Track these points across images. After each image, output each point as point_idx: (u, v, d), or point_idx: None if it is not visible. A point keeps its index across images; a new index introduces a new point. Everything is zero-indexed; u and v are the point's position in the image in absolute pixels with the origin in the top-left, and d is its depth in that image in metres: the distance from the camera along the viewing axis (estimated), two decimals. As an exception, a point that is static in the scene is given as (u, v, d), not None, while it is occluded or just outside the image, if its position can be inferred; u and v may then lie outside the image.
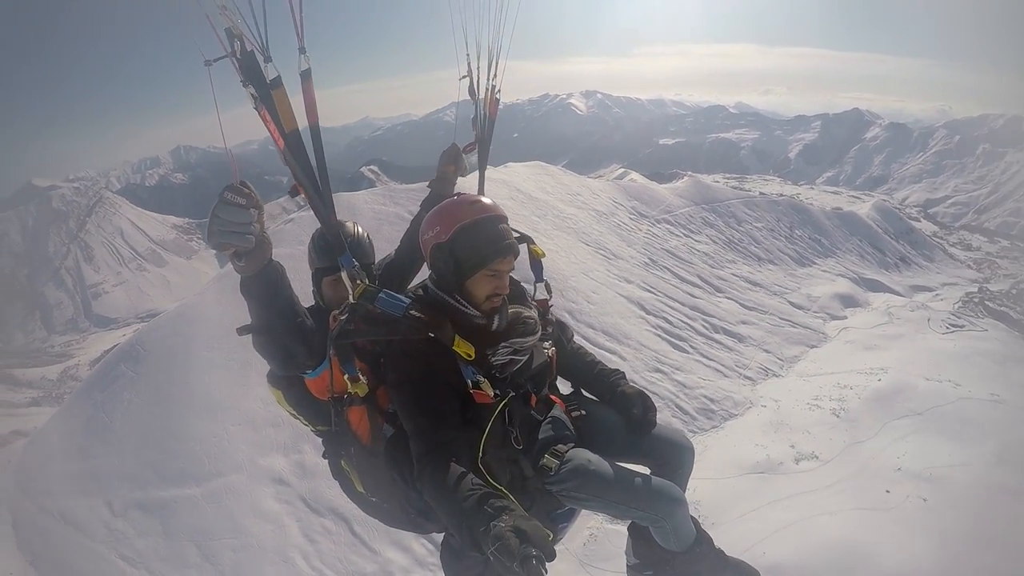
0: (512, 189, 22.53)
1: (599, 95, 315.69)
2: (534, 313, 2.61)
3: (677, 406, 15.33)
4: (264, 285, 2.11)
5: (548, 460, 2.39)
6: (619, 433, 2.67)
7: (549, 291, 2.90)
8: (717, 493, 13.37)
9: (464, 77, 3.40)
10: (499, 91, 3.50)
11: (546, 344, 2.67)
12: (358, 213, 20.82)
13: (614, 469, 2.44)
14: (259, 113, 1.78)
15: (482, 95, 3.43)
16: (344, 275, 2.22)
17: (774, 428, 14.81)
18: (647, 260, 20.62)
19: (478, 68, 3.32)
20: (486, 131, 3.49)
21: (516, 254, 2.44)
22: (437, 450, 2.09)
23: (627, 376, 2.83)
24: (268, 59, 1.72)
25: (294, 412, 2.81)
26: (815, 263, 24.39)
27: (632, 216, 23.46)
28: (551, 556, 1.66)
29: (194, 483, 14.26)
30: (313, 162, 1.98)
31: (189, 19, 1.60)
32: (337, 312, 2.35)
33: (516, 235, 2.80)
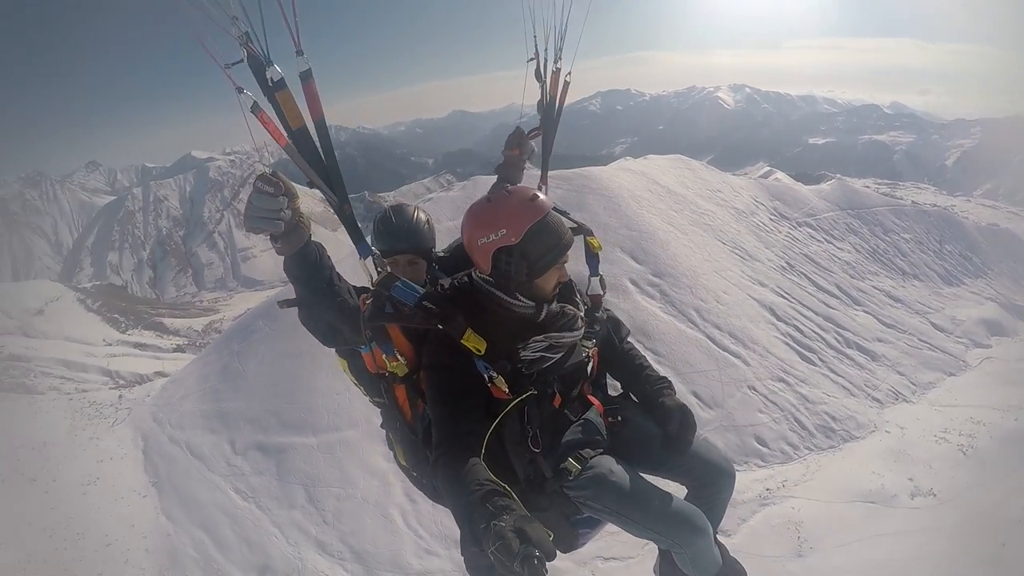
0: (650, 181, 24.73)
1: (747, 89, 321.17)
2: (578, 309, 3.09)
3: (796, 419, 16.98)
4: (301, 265, 2.82)
5: (570, 464, 2.90)
6: (655, 447, 3.13)
7: (603, 286, 3.48)
8: (821, 517, 14.52)
9: (532, 59, 4.00)
10: (569, 74, 4.08)
11: (588, 343, 3.15)
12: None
13: (637, 485, 2.88)
14: (257, 116, 2.33)
15: (549, 78, 4.07)
16: (367, 262, 2.94)
17: (894, 457, 15.95)
18: (784, 264, 22.59)
19: (545, 49, 3.91)
20: (552, 116, 4.15)
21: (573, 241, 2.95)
22: (453, 441, 2.61)
23: (672, 388, 3.30)
24: (270, 63, 2.32)
25: (356, 382, 3.54)
26: (963, 283, 25.78)
27: (773, 217, 25.57)
28: (551, 556, 2.01)
29: (312, 433, 17.93)
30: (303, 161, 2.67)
31: (204, 24, 2.19)
32: (365, 296, 3.08)
33: (575, 226, 3.46)
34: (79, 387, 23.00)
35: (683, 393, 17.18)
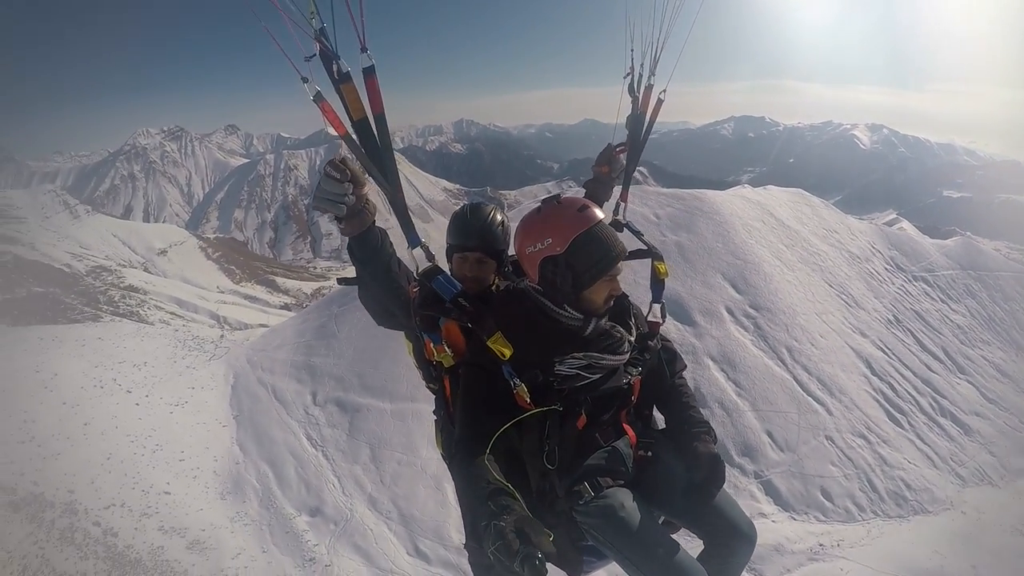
0: (765, 212, 24.62)
1: (885, 130, 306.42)
2: (629, 332, 3.07)
3: (868, 480, 16.63)
4: (363, 247, 2.97)
5: (584, 488, 2.87)
6: (678, 491, 3.05)
7: (663, 314, 3.41)
8: (870, 587, 14.27)
9: (627, 75, 4.06)
10: (663, 92, 4.06)
11: (633, 370, 3.08)
12: (604, 205, 25.26)
13: (646, 528, 2.80)
14: (319, 105, 2.51)
15: (642, 95, 4.09)
16: (408, 253, 3.04)
17: (963, 541, 15.32)
18: (891, 318, 22.02)
19: (641, 64, 3.96)
20: (639, 132, 4.14)
21: (626, 255, 2.96)
22: (471, 440, 2.64)
23: (711, 435, 3.21)
24: (338, 57, 2.49)
25: (417, 365, 3.69)
26: (1084, 372, 23.44)
27: (888, 267, 24.95)
28: (552, 557, 2.05)
29: (388, 399, 19.22)
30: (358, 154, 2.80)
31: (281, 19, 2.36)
32: (413, 284, 3.20)
33: (644, 249, 3.57)
34: (186, 323, 25.44)
35: (756, 431, 17.42)
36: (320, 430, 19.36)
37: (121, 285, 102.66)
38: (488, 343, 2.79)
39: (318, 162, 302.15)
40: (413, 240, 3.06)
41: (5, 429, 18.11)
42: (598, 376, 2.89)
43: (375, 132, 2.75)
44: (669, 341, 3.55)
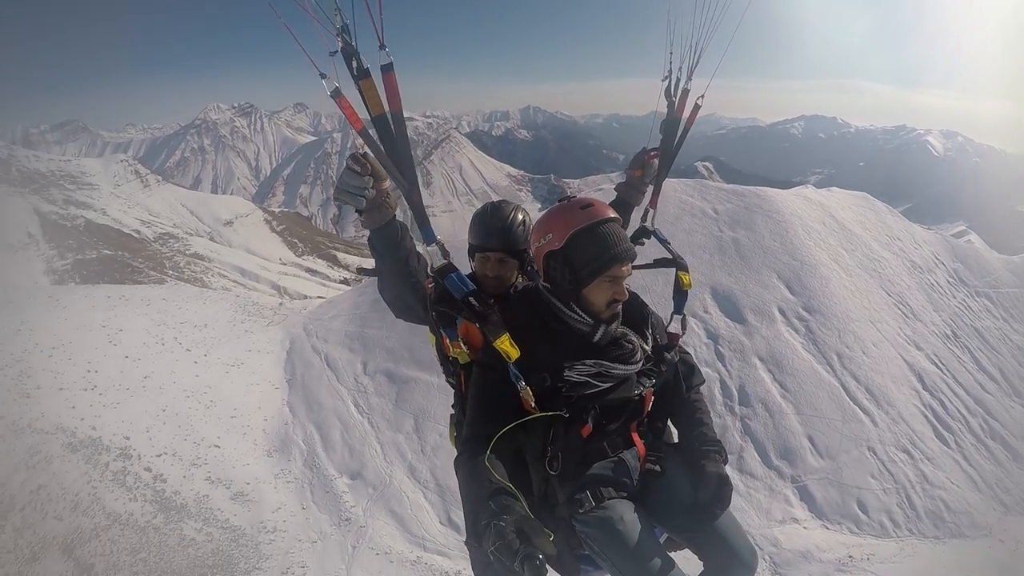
0: (826, 214, 24.49)
1: (960, 137, 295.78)
2: (642, 342, 3.07)
3: (907, 496, 16.41)
4: (382, 240, 3.10)
5: (585, 496, 2.88)
6: (682, 509, 3.02)
7: (684, 327, 3.40)
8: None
9: (666, 78, 4.00)
10: (701, 97, 4.04)
11: (646, 381, 3.07)
12: (662, 196, 25.46)
13: (643, 544, 2.77)
14: (337, 100, 2.58)
15: (679, 98, 4.04)
16: (423, 249, 3.13)
17: (998, 570, 15.05)
18: (948, 332, 21.64)
19: (680, 68, 3.92)
20: (673, 135, 4.10)
21: (633, 258, 2.95)
22: (477, 439, 2.68)
23: (721, 455, 3.15)
24: (358, 54, 2.58)
25: (439, 358, 3.71)
26: None
27: (951, 280, 24.46)
28: (552, 558, 2.12)
29: (436, 374, 19.26)
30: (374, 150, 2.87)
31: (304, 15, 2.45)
32: (429, 280, 3.27)
33: (669, 258, 3.55)
34: (247, 292, 27.04)
35: (798, 435, 17.49)
36: (368, 398, 20.20)
37: (187, 252, 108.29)
38: (495, 344, 2.82)
39: None
40: (428, 237, 3.11)
41: (70, 377, 19.42)
42: (608, 385, 2.90)
43: (392, 128, 2.85)
44: (688, 354, 3.52)
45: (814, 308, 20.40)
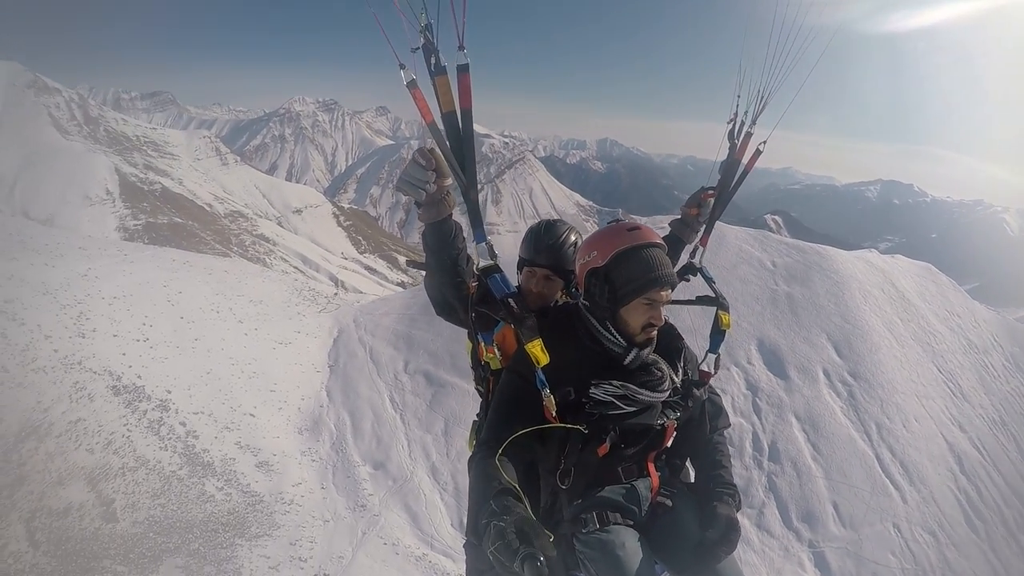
0: (886, 281, 24.27)
1: None
2: (672, 372, 3.03)
3: None
4: (435, 236, 3.21)
5: (590, 517, 2.88)
6: (686, 547, 2.99)
7: (716, 366, 3.38)
8: None
9: (731, 121, 4.03)
10: (763, 143, 4.02)
11: (671, 413, 3.03)
12: (723, 242, 24.55)
13: (639, 574, 2.74)
14: (412, 92, 2.69)
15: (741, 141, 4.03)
16: (473, 248, 3.14)
17: None
18: (997, 418, 21.02)
19: (746, 112, 3.93)
20: (730, 178, 4.08)
21: (673, 285, 2.92)
22: (493, 442, 2.68)
23: (735, 499, 3.14)
24: (438, 52, 2.67)
25: (471, 364, 3.74)
26: None
27: (1007, 363, 23.74)
28: (552, 558, 2.07)
29: (473, 382, 21.86)
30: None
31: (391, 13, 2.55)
32: (473, 281, 3.32)
33: (712, 296, 3.57)
34: (306, 279, 28.64)
35: (823, 499, 17.42)
36: (404, 395, 21.02)
37: (254, 232, 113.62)
38: (526, 346, 2.83)
39: None
40: (479, 236, 3.13)
41: (126, 327, 20.79)
42: (631, 409, 2.87)
43: (460, 126, 2.89)
44: (718, 395, 3.54)
45: (860, 374, 20.21)
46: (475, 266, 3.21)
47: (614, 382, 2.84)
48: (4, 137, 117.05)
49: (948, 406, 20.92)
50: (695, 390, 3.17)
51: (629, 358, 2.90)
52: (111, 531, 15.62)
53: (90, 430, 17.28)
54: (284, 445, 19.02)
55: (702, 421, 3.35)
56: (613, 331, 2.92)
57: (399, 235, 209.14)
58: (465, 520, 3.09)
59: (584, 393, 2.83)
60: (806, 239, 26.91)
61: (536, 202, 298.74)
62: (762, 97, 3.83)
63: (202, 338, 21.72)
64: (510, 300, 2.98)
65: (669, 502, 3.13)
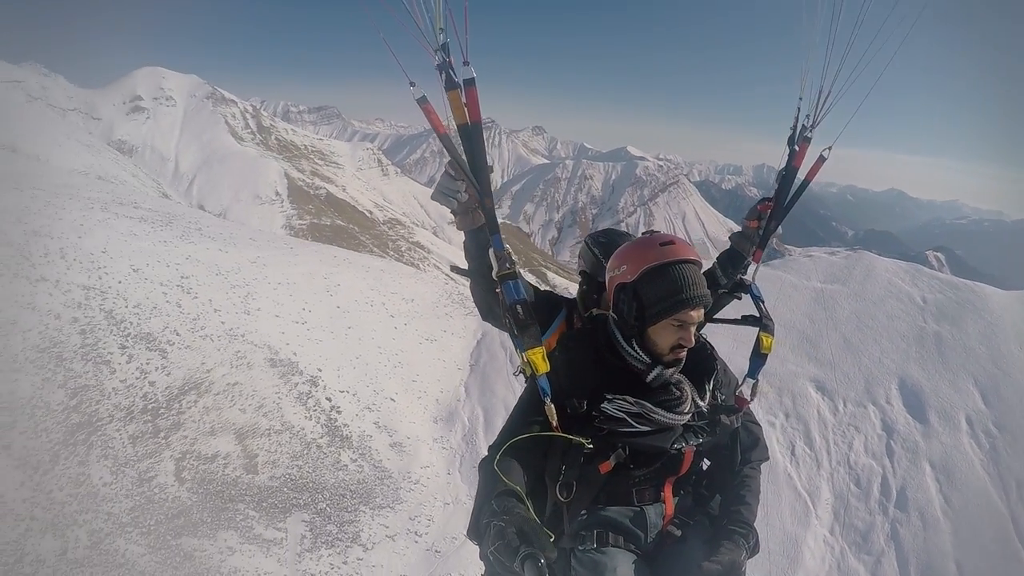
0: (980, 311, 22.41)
1: None
2: (696, 394, 2.93)
3: None
4: (473, 243, 3.36)
5: (590, 535, 2.85)
6: None
7: (754, 393, 3.27)
8: None
9: (794, 126, 3.89)
10: (827, 150, 3.86)
11: (691, 438, 2.91)
12: (871, 274, 24.17)
13: None
14: (423, 107, 2.80)
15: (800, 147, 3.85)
16: (491, 253, 3.15)
17: None
18: None
19: (808, 116, 3.77)
20: (787, 189, 3.91)
21: (706, 306, 2.85)
22: (505, 448, 2.69)
23: (748, 541, 2.96)
24: (452, 69, 2.81)
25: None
26: None
27: None
28: (552, 558, 2.11)
29: None
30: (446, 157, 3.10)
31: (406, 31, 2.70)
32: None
33: (757, 316, 3.54)
34: (457, 285, 30.81)
35: (946, 555, 16.72)
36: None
37: (410, 239, 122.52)
38: (525, 353, 2.86)
39: (614, 177, 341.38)
40: (497, 244, 3.14)
41: (288, 309, 23.56)
42: (644, 428, 2.79)
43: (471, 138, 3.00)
44: (757, 425, 3.41)
45: (1006, 426, 19.04)
46: (494, 272, 3.16)
47: (628, 398, 2.78)
48: (185, 140, 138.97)
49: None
50: (724, 416, 3.03)
51: (651, 376, 2.85)
52: (250, 481, 18.19)
53: (245, 393, 20.00)
54: (418, 430, 20.98)
55: (733, 452, 3.23)
56: (637, 349, 2.87)
57: (550, 252, 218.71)
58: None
59: (595, 406, 2.80)
60: (970, 279, 25.47)
61: (689, 227, 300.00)
62: (823, 98, 3.63)
63: (355, 327, 24.27)
64: (517, 307, 3.01)
65: (679, 532, 3.03)
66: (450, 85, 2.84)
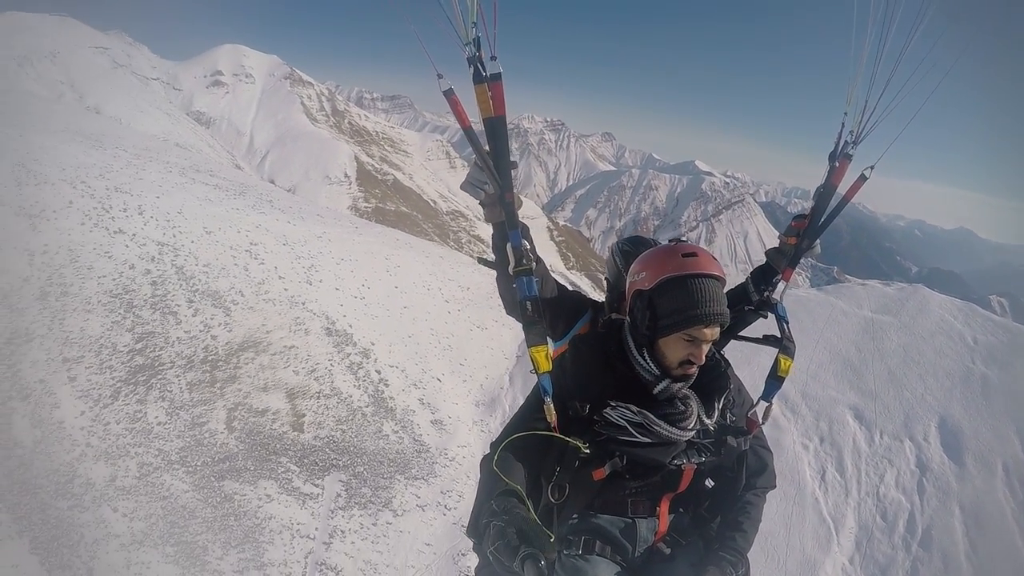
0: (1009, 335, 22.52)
1: None
2: (702, 411, 2.89)
3: None
4: (499, 236, 3.34)
5: (577, 540, 2.84)
6: None
7: (766, 416, 3.20)
8: None
9: (836, 142, 3.68)
10: (870, 169, 3.63)
11: (693, 455, 2.90)
12: (924, 309, 23.95)
13: None
14: (449, 99, 2.81)
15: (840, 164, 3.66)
16: (509, 248, 3.17)
17: None
18: None
19: (851, 131, 3.59)
20: (823, 206, 3.78)
21: (723, 324, 2.78)
22: (504, 446, 2.74)
23: (737, 570, 2.89)
24: (477, 62, 2.80)
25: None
26: None
27: None
28: (552, 559, 2.17)
29: None
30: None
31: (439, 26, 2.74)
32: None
33: (778, 337, 3.43)
34: None
35: None
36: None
37: (471, 232, 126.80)
38: (529, 350, 2.90)
39: (679, 190, 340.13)
40: (515, 240, 3.14)
41: (348, 283, 25.15)
42: (643, 440, 2.78)
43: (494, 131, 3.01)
44: (768, 451, 3.36)
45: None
46: (510, 268, 3.19)
47: (632, 407, 2.75)
48: (261, 117, 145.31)
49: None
50: (731, 438, 2.99)
51: (659, 388, 2.82)
52: (295, 438, 19.69)
53: (300, 356, 21.49)
54: (460, 411, 22.19)
55: (737, 475, 3.15)
56: (648, 359, 2.86)
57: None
58: None
59: (597, 411, 2.78)
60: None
61: (750, 247, 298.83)
62: (866, 111, 3.44)
63: (410, 307, 25.75)
64: (527, 303, 3.01)
65: (668, 550, 3.00)
66: (478, 79, 2.85)
